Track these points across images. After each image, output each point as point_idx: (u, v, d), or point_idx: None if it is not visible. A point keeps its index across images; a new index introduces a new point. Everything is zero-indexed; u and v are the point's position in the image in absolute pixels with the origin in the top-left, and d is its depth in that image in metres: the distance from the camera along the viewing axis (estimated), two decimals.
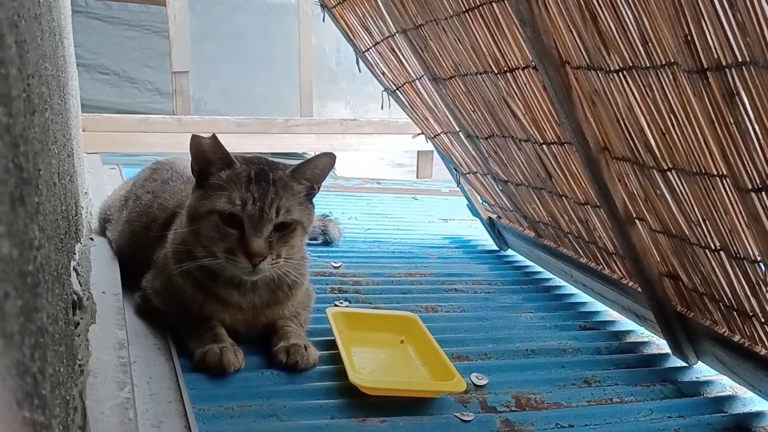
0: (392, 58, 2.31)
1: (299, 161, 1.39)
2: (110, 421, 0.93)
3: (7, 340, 0.43)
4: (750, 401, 1.40)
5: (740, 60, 0.94)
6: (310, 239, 1.92)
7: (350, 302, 1.82)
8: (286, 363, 1.34)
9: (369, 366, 1.43)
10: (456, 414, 1.26)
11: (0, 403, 0.41)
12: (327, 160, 1.38)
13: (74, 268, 1.27)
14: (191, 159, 1.36)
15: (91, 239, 1.80)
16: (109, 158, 3.52)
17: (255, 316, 1.41)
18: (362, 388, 1.26)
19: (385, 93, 2.51)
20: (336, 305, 1.75)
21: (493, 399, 1.34)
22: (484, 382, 1.41)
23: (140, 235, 1.61)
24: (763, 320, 1.25)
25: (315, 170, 1.37)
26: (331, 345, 1.45)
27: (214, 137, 1.33)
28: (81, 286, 1.28)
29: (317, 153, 1.39)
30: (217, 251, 1.30)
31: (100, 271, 1.54)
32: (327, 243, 2.38)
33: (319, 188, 1.41)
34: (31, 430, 0.49)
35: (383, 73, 2.44)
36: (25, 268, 0.50)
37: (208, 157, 1.33)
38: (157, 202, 1.62)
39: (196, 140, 1.33)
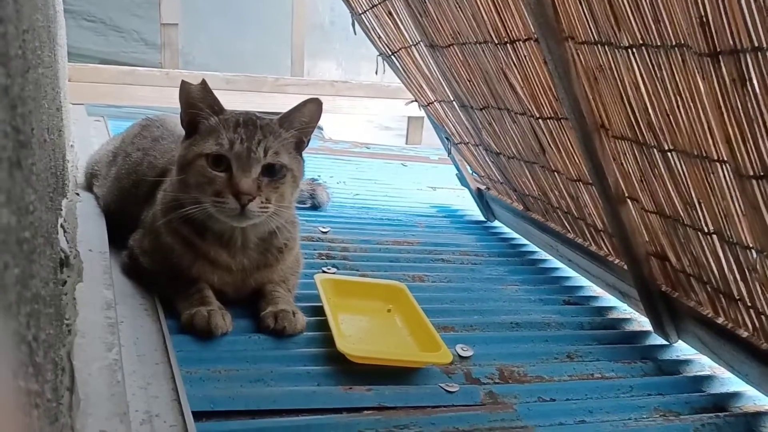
0: (389, 21, 2.27)
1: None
2: (98, 382, 0.92)
3: (6, 311, 0.41)
4: (728, 382, 1.42)
5: (756, 45, 0.92)
6: (299, 203, 1.91)
7: (338, 269, 1.81)
8: (273, 328, 1.34)
9: (356, 334, 1.43)
10: (441, 385, 1.27)
11: None
12: (313, 107, 1.36)
13: (61, 225, 1.25)
14: (181, 108, 1.35)
15: (77, 194, 1.77)
16: (95, 109, 3.46)
17: (244, 278, 1.40)
18: (349, 356, 1.27)
19: (379, 58, 2.47)
20: (324, 271, 1.75)
21: (477, 371, 1.35)
22: (469, 353, 1.42)
23: (129, 193, 1.59)
24: (749, 304, 1.27)
25: (302, 118, 1.36)
26: (319, 311, 1.45)
27: (203, 83, 1.32)
28: (68, 243, 1.26)
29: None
30: (204, 197, 1.28)
31: (86, 228, 1.52)
32: (315, 207, 2.37)
33: (308, 140, 1.39)
34: (25, 399, 0.49)
35: (379, 37, 2.40)
36: (22, 235, 0.49)
37: (198, 104, 1.32)
38: (147, 160, 1.59)
39: (185, 87, 1.32)
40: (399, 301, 1.56)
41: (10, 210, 0.44)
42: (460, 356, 1.40)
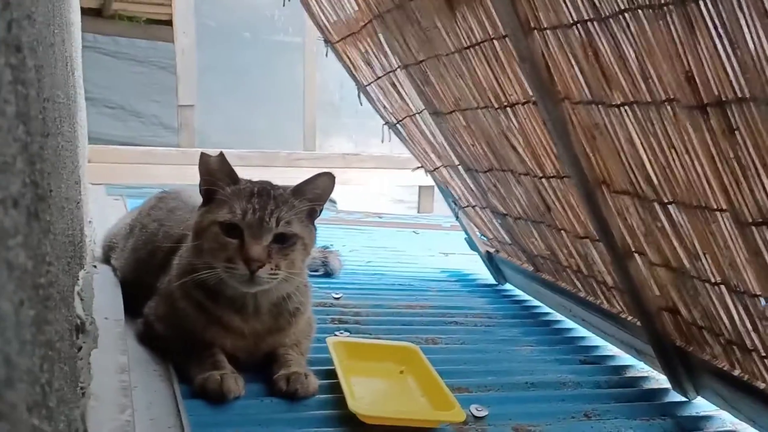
0: (393, 92, 2.36)
1: None
2: None
3: (21, 346, 0.44)
4: None
5: (740, 96, 0.96)
6: (311, 270, 1.94)
7: (350, 333, 1.82)
8: (286, 391, 1.34)
9: (368, 395, 1.43)
10: None
11: (11, 408, 0.42)
12: (326, 180, 1.42)
13: (78, 293, 1.28)
14: (199, 178, 1.40)
15: (94, 266, 1.81)
16: (114, 190, 3.56)
17: (256, 342, 1.42)
18: (361, 416, 1.26)
19: (385, 126, 2.54)
20: (336, 335, 1.76)
21: (492, 430, 1.34)
22: (483, 413, 1.40)
23: (145, 262, 1.62)
24: (763, 354, 1.26)
25: (315, 190, 1.41)
26: (331, 374, 1.45)
27: (221, 155, 1.38)
28: (84, 311, 1.29)
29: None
30: (216, 262, 1.32)
31: (102, 298, 1.55)
32: (328, 274, 2.39)
33: (321, 210, 1.44)
34: None
35: (384, 107, 2.48)
36: (38, 281, 0.52)
37: (215, 175, 1.37)
38: (163, 230, 1.64)
39: (204, 158, 1.38)
40: (412, 363, 1.56)
41: (27, 254, 0.48)
42: (474, 416, 1.39)
